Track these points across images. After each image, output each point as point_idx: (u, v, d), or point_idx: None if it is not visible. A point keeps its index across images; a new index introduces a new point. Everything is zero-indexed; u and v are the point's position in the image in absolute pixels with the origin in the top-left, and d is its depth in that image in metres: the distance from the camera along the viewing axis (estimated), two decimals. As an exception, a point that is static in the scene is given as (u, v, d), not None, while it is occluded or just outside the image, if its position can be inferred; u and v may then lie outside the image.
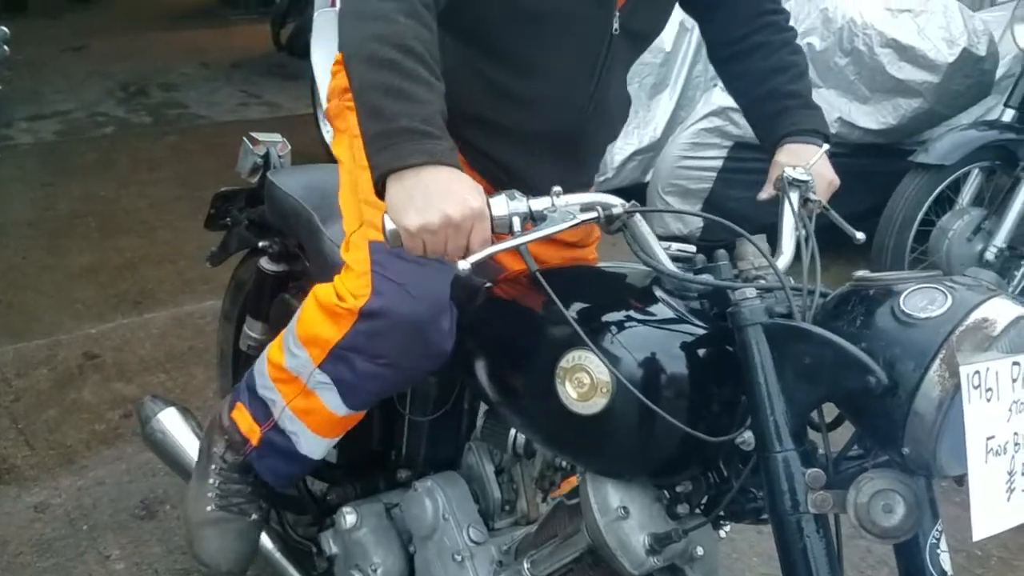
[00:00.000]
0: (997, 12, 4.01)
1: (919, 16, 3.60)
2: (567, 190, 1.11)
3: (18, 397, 2.88)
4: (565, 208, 1.09)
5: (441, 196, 1.05)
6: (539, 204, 1.08)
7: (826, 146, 1.38)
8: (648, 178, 4.15)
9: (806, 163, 1.33)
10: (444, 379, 1.52)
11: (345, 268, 1.40)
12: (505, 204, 1.07)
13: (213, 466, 1.62)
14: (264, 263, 1.94)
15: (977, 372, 0.91)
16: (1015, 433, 0.93)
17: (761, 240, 1.15)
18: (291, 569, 1.75)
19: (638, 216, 1.14)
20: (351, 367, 1.38)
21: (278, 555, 1.77)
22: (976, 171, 3.27)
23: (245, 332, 2.03)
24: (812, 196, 1.32)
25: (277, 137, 1.97)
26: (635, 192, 4.25)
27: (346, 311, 1.36)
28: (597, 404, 1.13)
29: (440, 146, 1.08)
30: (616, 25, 1.35)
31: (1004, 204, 3.15)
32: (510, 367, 1.30)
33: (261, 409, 1.54)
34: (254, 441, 1.55)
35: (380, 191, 1.10)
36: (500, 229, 1.08)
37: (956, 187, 3.29)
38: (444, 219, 1.04)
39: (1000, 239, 3.15)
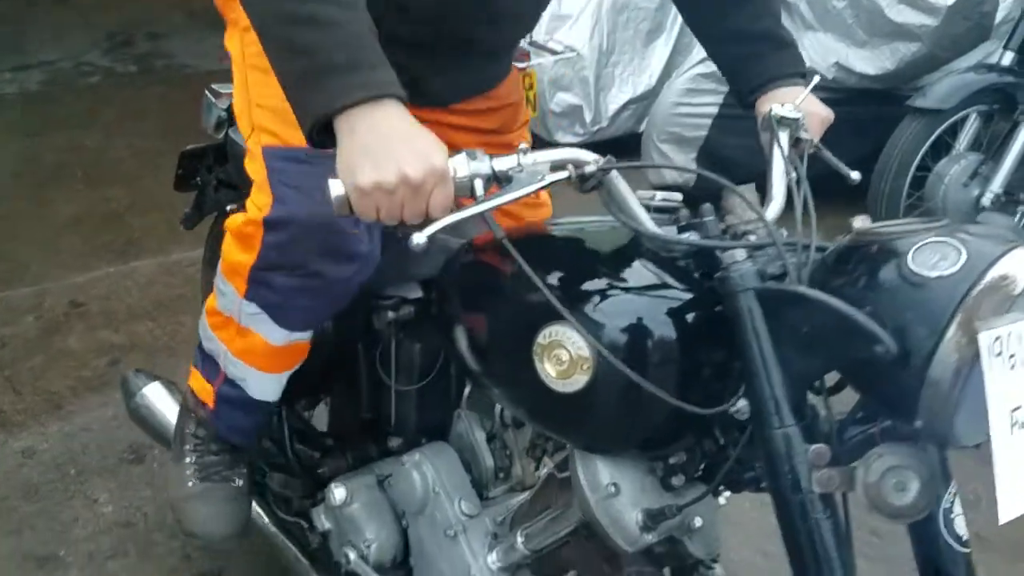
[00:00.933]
0: (998, -48, 3.93)
1: (919, -43, 3.52)
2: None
3: (4, 344, 2.86)
4: (533, 167, 0.98)
5: (399, 151, 0.93)
6: (503, 164, 0.97)
7: (816, 78, 1.26)
8: (643, 127, 4.09)
9: (793, 100, 1.21)
10: (430, 347, 1.45)
11: (252, 176, 1.32)
12: (466, 164, 0.96)
13: (187, 445, 1.58)
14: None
15: (998, 337, 0.81)
16: None
17: (749, 190, 1.05)
18: (287, 543, 1.70)
19: (614, 173, 1.02)
20: (272, 287, 1.31)
21: (274, 529, 1.72)
22: (974, 115, 3.19)
23: None
24: (803, 135, 1.20)
25: None
26: (630, 141, 4.20)
27: (253, 226, 1.28)
28: (578, 381, 1.04)
29: (383, 75, 0.95)
30: None
31: (1002, 149, 3.08)
32: (487, 342, 1.21)
33: (210, 365, 1.48)
34: (210, 402, 1.49)
35: (321, 142, 0.97)
36: (461, 193, 0.97)
37: (953, 132, 3.22)
38: (401, 177, 0.93)
39: (997, 184, 3.10)
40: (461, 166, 0.96)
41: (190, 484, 1.56)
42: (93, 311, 3.05)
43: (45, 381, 2.68)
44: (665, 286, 1.05)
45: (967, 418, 0.84)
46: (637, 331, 1.02)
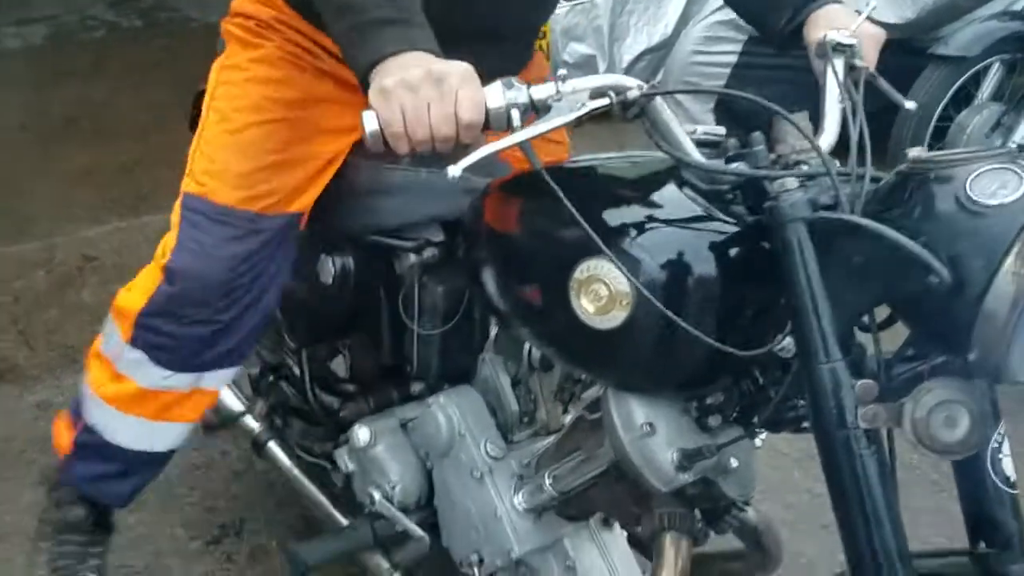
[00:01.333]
0: None
1: None
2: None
3: (17, 298, 2.86)
4: (572, 95, 0.96)
5: (422, 61, 0.94)
6: (541, 92, 0.95)
7: (870, 6, 1.23)
8: (659, 78, 4.03)
9: (845, 26, 1.18)
10: (451, 290, 1.43)
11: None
12: (501, 94, 0.94)
13: (41, 527, 1.57)
14: None
15: None
16: None
17: (803, 118, 1.02)
18: (311, 487, 1.70)
19: (658, 99, 1.00)
20: (157, 332, 1.32)
21: (296, 472, 1.72)
22: (997, 64, 3.15)
23: None
24: (858, 62, 1.16)
25: None
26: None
27: (155, 268, 1.31)
28: (617, 318, 1.02)
29: (418, 33, 0.97)
30: None
31: (1025, 98, 3.06)
32: (519, 280, 1.20)
33: (75, 411, 1.46)
34: (66, 448, 1.46)
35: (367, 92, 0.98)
36: (497, 124, 0.95)
37: (976, 81, 3.18)
38: (425, 72, 0.92)
39: (1020, 135, 3.06)
40: (496, 95, 0.93)
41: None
42: (106, 264, 3.04)
43: (59, 335, 2.67)
44: (709, 218, 1.03)
45: (1022, 351, 0.82)
46: (678, 267, 1.00)
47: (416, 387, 1.55)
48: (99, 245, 3.15)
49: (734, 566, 1.43)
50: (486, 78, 0.96)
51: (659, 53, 4.07)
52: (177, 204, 1.34)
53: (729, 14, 3.61)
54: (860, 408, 0.88)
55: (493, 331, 1.43)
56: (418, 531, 1.41)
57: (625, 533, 1.42)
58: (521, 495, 1.32)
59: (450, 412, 1.37)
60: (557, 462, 1.27)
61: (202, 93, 1.96)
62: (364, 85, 0.97)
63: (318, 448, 1.71)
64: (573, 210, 0.95)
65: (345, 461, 1.55)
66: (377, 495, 1.46)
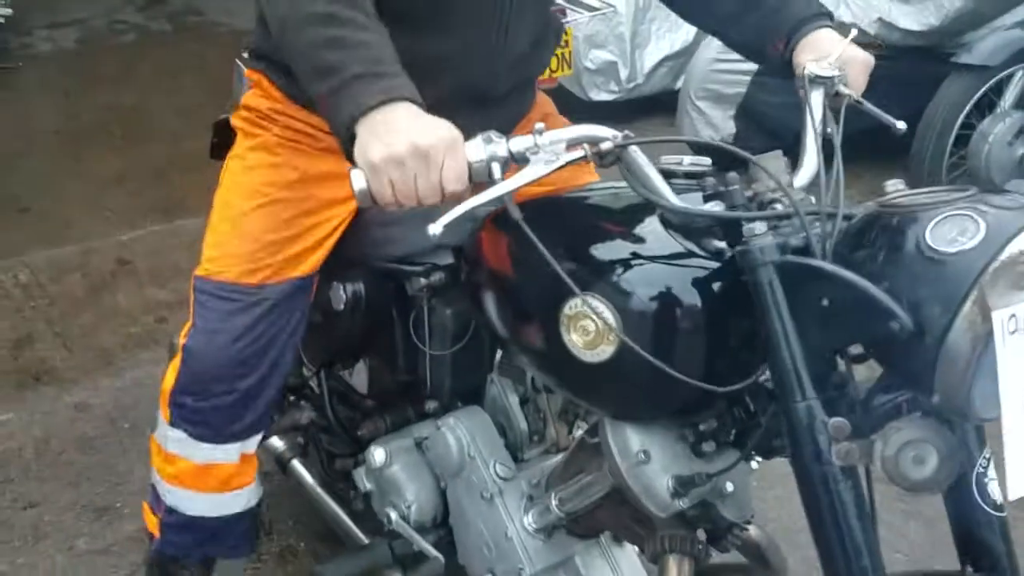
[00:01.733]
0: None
1: (965, -93, 3.43)
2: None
3: (53, 301, 2.95)
4: (550, 147, 0.98)
5: (407, 127, 0.97)
6: (520, 144, 0.98)
7: (854, 31, 1.22)
8: (679, 84, 4.05)
9: (829, 54, 1.19)
10: (459, 312, 1.47)
11: None
12: (482, 148, 0.97)
13: None
14: None
15: (1013, 315, 0.81)
16: None
17: (777, 157, 1.04)
18: (333, 504, 1.76)
19: (632, 147, 1.02)
20: (188, 408, 1.39)
21: (320, 490, 1.78)
22: (1020, 73, 3.15)
23: None
24: (843, 89, 1.16)
25: None
26: (666, 99, 4.17)
27: (179, 350, 1.39)
28: (605, 352, 1.05)
29: (396, 82, 1.00)
30: None
31: (1049, 109, 3.06)
32: (515, 311, 1.23)
33: (154, 495, 1.54)
34: (156, 532, 1.54)
35: (349, 152, 1.01)
36: (479, 177, 0.98)
37: (998, 90, 3.17)
38: (411, 147, 0.95)
39: None
40: (477, 150, 0.97)
41: None
42: (140, 269, 3.13)
43: (95, 338, 2.76)
44: (690, 255, 1.05)
45: (985, 392, 0.84)
46: (662, 303, 1.03)
47: (430, 405, 1.58)
48: (133, 249, 3.25)
49: (737, 576, 1.47)
50: (477, 131, 0.99)
51: (680, 60, 4.10)
52: (191, 288, 1.41)
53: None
54: (834, 445, 0.91)
55: (499, 353, 1.46)
56: (433, 551, 1.45)
57: (636, 548, 1.46)
58: (531, 515, 1.35)
59: (460, 434, 1.41)
60: (563, 483, 1.31)
61: (223, 121, 2.00)
62: (349, 140, 1.00)
63: (339, 465, 1.76)
64: (552, 260, 0.98)
65: (363, 481, 1.59)
66: (394, 515, 1.50)
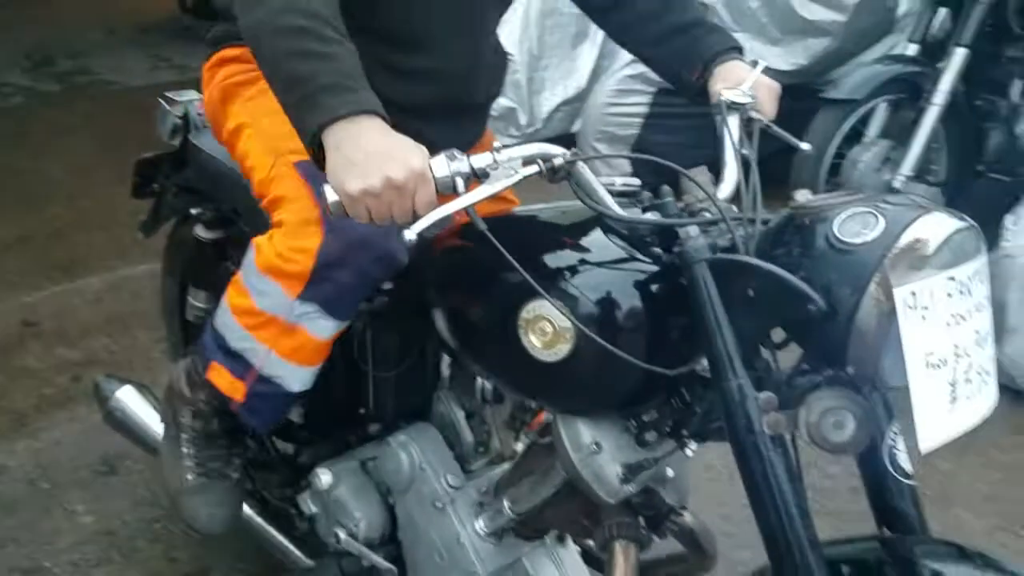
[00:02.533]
0: (897, -46, 4.22)
1: (826, -42, 3.77)
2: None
3: (-39, 366, 2.85)
4: (507, 163, 1.10)
5: (381, 158, 1.05)
6: (480, 161, 1.09)
7: (762, 63, 1.41)
8: (576, 127, 4.25)
9: (741, 82, 1.35)
10: (405, 333, 1.55)
11: (279, 199, 1.41)
12: (446, 165, 1.07)
13: (184, 435, 1.64)
14: (199, 231, 1.89)
15: (912, 292, 0.95)
16: (955, 345, 0.97)
17: (702, 172, 1.17)
18: (274, 532, 1.79)
19: (580, 163, 1.14)
20: (335, 283, 1.38)
21: (259, 520, 1.81)
22: (883, 104, 3.43)
23: (190, 303, 2.02)
24: (754, 115, 1.33)
25: (194, 94, 1.89)
26: (564, 142, 4.34)
27: (312, 226, 1.36)
28: (561, 351, 1.16)
29: (363, 96, 1.09)
30: None
31: (909, 135, 3.32)
32: (472, 320, 1.33)
33: (238, 363, 1.51)
34: (239, 397, 1.53)
35: (318, 159, 1.10)
36: (444, 190, 1.08)
37: (864, 121, 3.46)
38: (385, 182, 1.04)
39: (906, 168, 3.33)
40: (442, 167, 1.08)
41: (189, 478, 1.63)
42: (47, 329, 3.07)
43: (7, 400, 2.69)
44: (631, 259, 1.18)
45: (892, 362, 0.97)
46: (611, 302, 1.16)
47: (373, 428, 1.65)
48: (38, 310, 3.18)
49: (676, 569, 1.58)
50: (453, 145, 1.10)
51: (575, 104, 4.31)
52: (291, 179, 1.40)
53: (639, 68, 3.88)
54: (764, 417, 1.03)
55: (448, 368, 1.55)
56: (385, 563, 1.52)
57: (578, 549, 1.56)
58: (482, 520, 1.44)
59: (411, 449, 1.49)
60: (514, 485, 1.40)
61: (144, 161, 2.04)
62: (316, 147, 1.08)
63: (278, 494, 1.81)
64: (516, 264, 1.09)
65: (308, 504, 1.65)
66: (343, 534, 1.56)
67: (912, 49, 3.45)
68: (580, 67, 4.33)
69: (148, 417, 1.95)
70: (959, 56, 3.25)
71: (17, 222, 3.83)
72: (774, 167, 1.32)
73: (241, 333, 1.48)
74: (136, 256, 3.55)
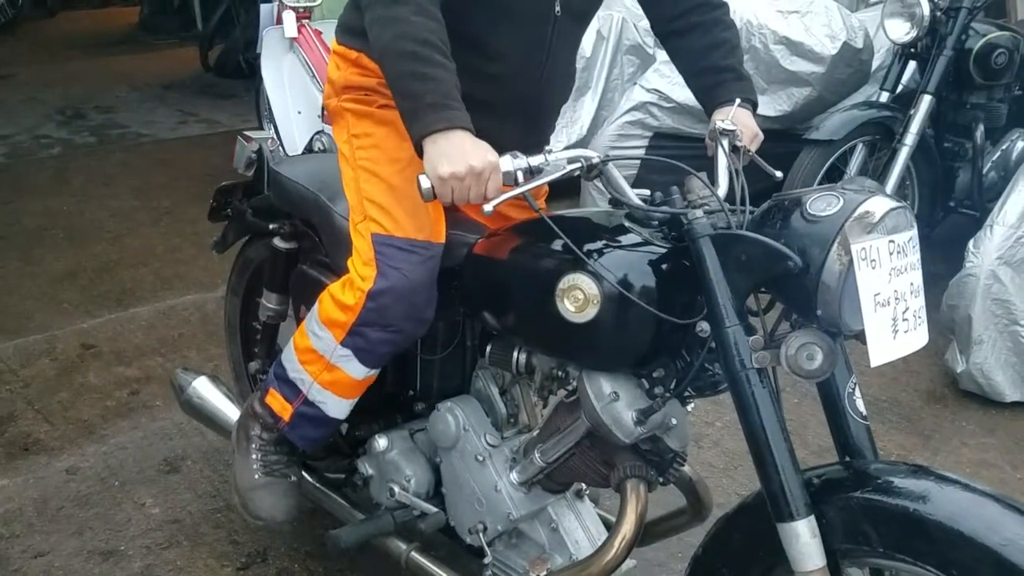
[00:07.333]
0: (871, 12, 4.62)
1: (805, 16, 4.17)
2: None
3: (27, 384, 3.10)
4: (556, 162, 1.43)
5: (466, 153, 1.39)
6: (536, 160, 1.42)
7: (747, 105, 1.73)
8: (579, 170, 4.59)
9: (733, 116, 1.67)
10: (449, 323, 1.83)
11: (354, 250, 1.74)
12: (511, 162, 1.42)
13: (253, 444, 1.97)
14: (277, 242, 2.20)
15: (864, 248, 1.24)
16: (895, 291, 1.27)
17: (703, 177, 1.48)
18: (332, 495, 2.08)
19: (610, 164, 1.49)
20: (366, 338, 1.72)
21: (318, 484, 2.10)
22: (860, 145, 3.75)
23: (263, 304, 2.30)
24: (738, 143, 1.65)
25: (266, 134, 2.24)
26: (568, 184, 4.68)
27: (358, 293, 1.69)
28: (590, 313, 1.46)
29: (456, 114, 1.43)
30: (558, 8, 1.69)
31: (885, 172, 3.65)
32: (514, 298, 1.62)
33: (291, 389, 1.87)
34: (287, 417, 1.89)
35: (420, 152, 1.44)
36: (507, 181, 1.41)
37: (844, 160, 3.77)
38: (468, 168, 1.39)
39: None
40: (507, 163, 1.42)
41: (256, 476, 1.96)
42: (105, 351, 3.32)
43: (74, 411, 2.92)
44: (648, 243, 1.49)
45: (850, 312, 1.27)
46: (631, 275, 1.45)
47: (419, 405, 1.94)
48: (95, 335, 3.43)
49: (676, 521, 1.87)
50: (521, 147, 1.44)
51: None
52: (365, 243, 1.71)
53: (636, 115, 4.26)
54: (753, 354, 1.33)
55: (489, 349, 1.80)
56: (433, 508, 1.81)
57: (593, 504, 1.85)
58: (515, 472, 1.72)
59: (456, 412, 1.78)
60: (543, 441, 1.68)
61: (223, 188, 2.38)
62: (419, 146, 1.43)
63: (335, 466, 2.10)
64: (564, 236, 1.44)
65: (365, 467, 1.94)
66: (396, 488, 1.85)
67: (885, 96, 3.81)
68: (581, 117, 4.71)
69: (221, 404, 2.24)
70: (926, 102, 3.60)
71: (66, 258, 4.12)
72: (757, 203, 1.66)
73: (297, 367, 1.86)
74: (180, 288, 3.86)
